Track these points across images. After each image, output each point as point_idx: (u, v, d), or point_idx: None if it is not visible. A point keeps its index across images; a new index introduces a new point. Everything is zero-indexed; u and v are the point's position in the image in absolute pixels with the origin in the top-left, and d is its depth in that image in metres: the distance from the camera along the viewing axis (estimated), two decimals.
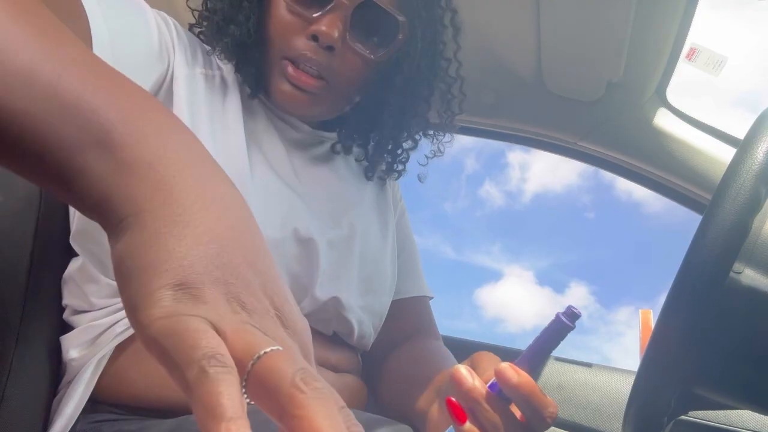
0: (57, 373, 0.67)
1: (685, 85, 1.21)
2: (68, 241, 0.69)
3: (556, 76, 1.21)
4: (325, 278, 0.68)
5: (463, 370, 0.52)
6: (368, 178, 0.82)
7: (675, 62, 1.12)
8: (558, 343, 0.50)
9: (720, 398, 0.63)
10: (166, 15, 0.68)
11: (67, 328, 0.68)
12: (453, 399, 0.53)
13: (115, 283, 0.62)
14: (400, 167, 0.83)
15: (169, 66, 0.65)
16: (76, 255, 0.69)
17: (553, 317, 0.50)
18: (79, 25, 0.52)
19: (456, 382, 0.52)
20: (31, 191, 0.68)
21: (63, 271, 0.70)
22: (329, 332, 0.71)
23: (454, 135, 0.82)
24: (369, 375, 0.80)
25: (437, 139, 0.81)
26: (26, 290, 0.65)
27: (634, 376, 0.62)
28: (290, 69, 0.66)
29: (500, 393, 0.51)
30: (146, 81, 0.62)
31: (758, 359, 0.58)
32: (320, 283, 0.68)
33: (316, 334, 0.70)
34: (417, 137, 0.81)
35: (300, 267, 0.66)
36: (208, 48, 0.72)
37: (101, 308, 0.64)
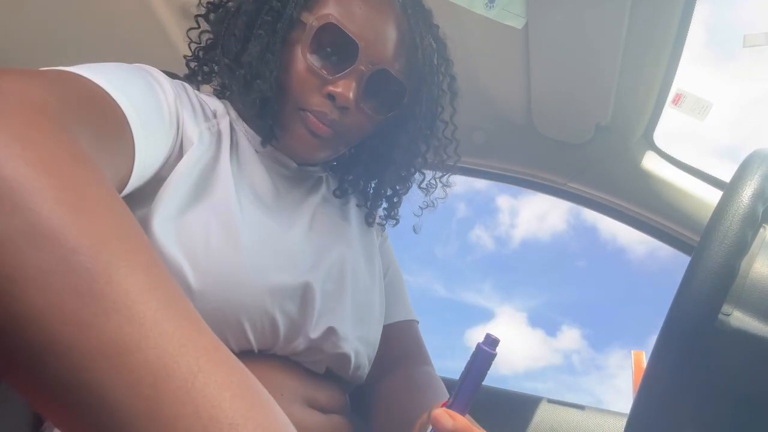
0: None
1: (671, 135, 1.24)
2: None
3: (546, 119, 1.23)
4: (321, 313, 0.69)
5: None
6: (369, 224, 0.86)
7: (662, 106, 1.15)
8: (485, 374, 0.51)
9: None
10: (162, 75, 0.68)
11: None
12: None
13: None
14: (395, 212, 0.88)
15: (179, 129, 0.66)
16: None
17: (474, 349, 0.51)
18: (120, 123, 0.52)
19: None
20: None
21: None
22: (322, 370, 0.71)
23: (447, 187, 0.88)
24: (360, 404, 0.80)
25: (430, 192, 0.87)
26: None
27: (627, 418, 0.62)
28: (311, 117, 0.70)
29: None
30: (164, 150, 0.62)
31: (748, 401, 0.58)
32: (316, 318, 0.68)
33: (307, 373, 0.69)
34: (409, 186, 0.87)
35: (294, 306, 0.67)
36: (205, 99, 0.75)
37: None
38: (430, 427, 0.52)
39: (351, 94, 0.69)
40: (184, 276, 0.58)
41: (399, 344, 0.87)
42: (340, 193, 0.84)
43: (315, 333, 0.68)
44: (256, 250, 0.64)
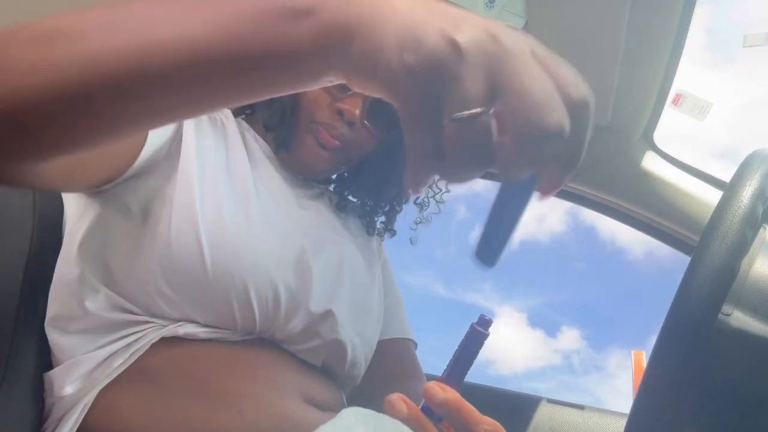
0: (41, 410, 0.66)
1: (672, 137, 1.24)
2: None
3: None
4: (320, 291, 0.72)
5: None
6: (369, 233, 0.91)
7: (662, 107, 1.15)
8: (477, 353, 0.52)
9: None
10: None
11: (52, 364, 0.67)
12: None
13: (112, 294, 0.64)
14: (391, 225, 0.94)
15: None
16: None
17: (468, 329, 0.52)
18: None
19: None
20: (24, 221, 0.68)
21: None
22: (318, 362, 0.72)
23: (440, 203, 0.95)
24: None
25: (424, 208, 0.94)
26: (15, 323, 0.64)
27: (627, 418, 0.62)
28: (322, 130, 0.77)
29: (431, 413, 0.52)
30: (165, 130, 0.67)
31: (748, 401, 0.58)
32: (315, 294, 0.71)
33: (303, 366, 0.70)
34: (405, 201, 0.94)
35: (295, 280, 0.70)
36: None
37: (96, 332, 0.64)
38: (423, 402, 0.53)
39: (357, 111, 0.75)
40: (198, 235, 0.63)
41: (395, 360, 0.89)
42: (342, 207, 0.88)
43: (316, 308, 0.70)
44: (265, 224, 0.70)
